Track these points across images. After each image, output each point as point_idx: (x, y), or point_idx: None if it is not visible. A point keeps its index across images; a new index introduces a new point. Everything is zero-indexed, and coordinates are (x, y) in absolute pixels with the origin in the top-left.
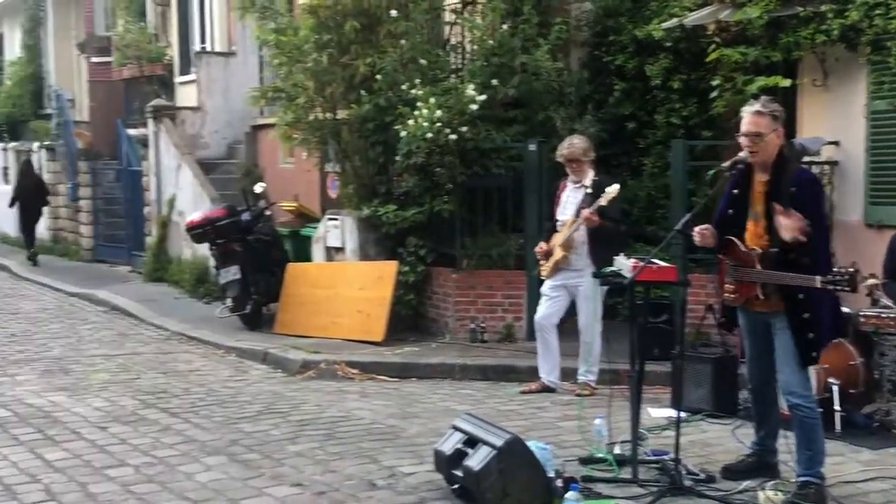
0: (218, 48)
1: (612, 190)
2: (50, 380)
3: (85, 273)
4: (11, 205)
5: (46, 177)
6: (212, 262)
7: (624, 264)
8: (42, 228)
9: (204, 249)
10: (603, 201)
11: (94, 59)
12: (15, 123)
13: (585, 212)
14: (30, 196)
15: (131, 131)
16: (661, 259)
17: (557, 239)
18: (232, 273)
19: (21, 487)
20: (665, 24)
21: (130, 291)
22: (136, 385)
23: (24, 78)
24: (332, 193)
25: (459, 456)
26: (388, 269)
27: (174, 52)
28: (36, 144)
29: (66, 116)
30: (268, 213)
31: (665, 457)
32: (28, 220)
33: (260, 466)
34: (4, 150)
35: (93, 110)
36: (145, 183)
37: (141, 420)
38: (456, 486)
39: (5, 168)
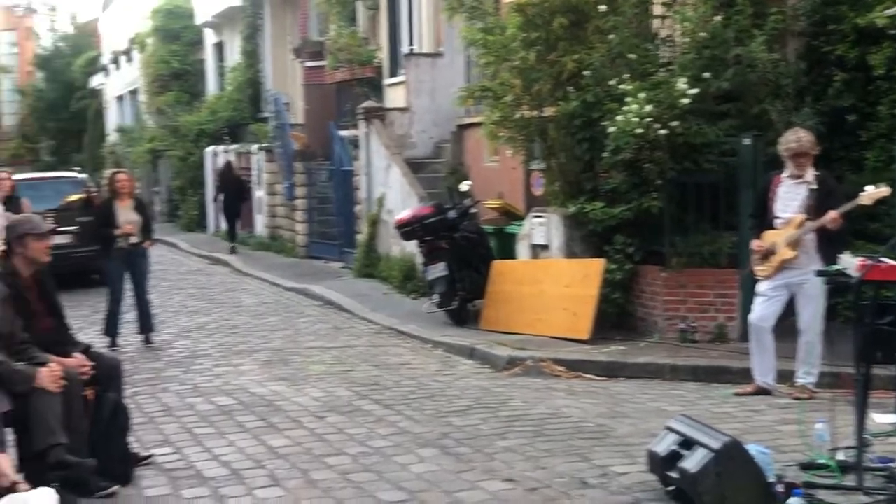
0: (426, 49)
1: (879, 192)
2: (270, 370)
3: (300, 269)
4: (215, 199)
5: (265, 177)
6: (419, 259)
7: (850, 263)
8: (260, 226)
9: (412, 246)
10: (866, 201)
11: (308, 64)
12: (235, 126)
13: (833, 213)
14: (230, 194)
15: (343, 133)
16: (890, 258)
17: (778, 237)
18: (439, 270)
19: (247, 472)
20: (889, 11)
21: (342, 287)
22: (351, 377)
23: (244, 83)
24: (537, 191)
25: (674, 457)
26: (594, 267)
27: (383, 55)
28: (254, 146)
29: (283, 119)
30: (473, 210)
31: (892, 464)
32: (230, 216)
33: (471, 460)
34: (226, 151)
35: (307, 113)
36: (356, 182)
37: (356, 410)
38: (671, 487)
39: (240, 169)
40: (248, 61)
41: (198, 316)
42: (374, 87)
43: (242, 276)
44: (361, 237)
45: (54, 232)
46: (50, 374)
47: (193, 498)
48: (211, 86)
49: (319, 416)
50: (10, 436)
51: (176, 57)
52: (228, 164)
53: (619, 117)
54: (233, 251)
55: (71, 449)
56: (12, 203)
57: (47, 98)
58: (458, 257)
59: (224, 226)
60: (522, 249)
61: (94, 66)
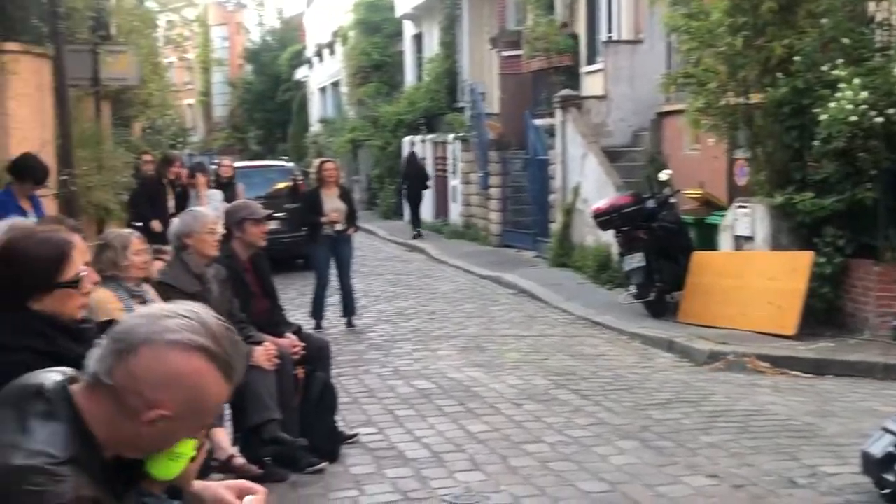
0: (625, 37)
1: None
2: (467, 356)
3: (493, 257)
4: (399, 190)
5: (460, 166)
6: (615, 249)
7: None
8: (455, 215)
9: (607, 236)
10: None
11: (505, 53)
12: (432, 116)
13: None
14: (413, 183)
15: (538, 121)
16: None
17: None
18: (636, 260)
19: (448, 455)
20: None
21: (536, 275)
22: (546, 366)
23: (441, 73)
24: (741, 180)
25: (891, 460)
26: (802, 260)
27: (581, 43)
28: (450, 136)
29: (479, 109)
30: (672, 200)
31: None
32: (413, 204)
33: (673, 454)
34: (423, 141)
35: (503, 102)
36: (551, 171)
37: (553, 400)
38: (886, 491)
39: (423, 159)
40: (446, 52)
41: (396, 301)
42: (571, 75)
43: (438, 263)
44: (555, 226)
45: (270, 217)
46: (265, 352)
47: (397, 478)
48: (409, 77)
49: (517, 403)
50: (226, 411)
51: (376, 49)
52: (412, 155)
53: (831, 104)
54: (416, 236)
55: (283, 425)
56: (230, 188)
57: (255, 90)
58: (657, 248)
59: (408, 214)
60: (724, 240)
61: (298, 59)
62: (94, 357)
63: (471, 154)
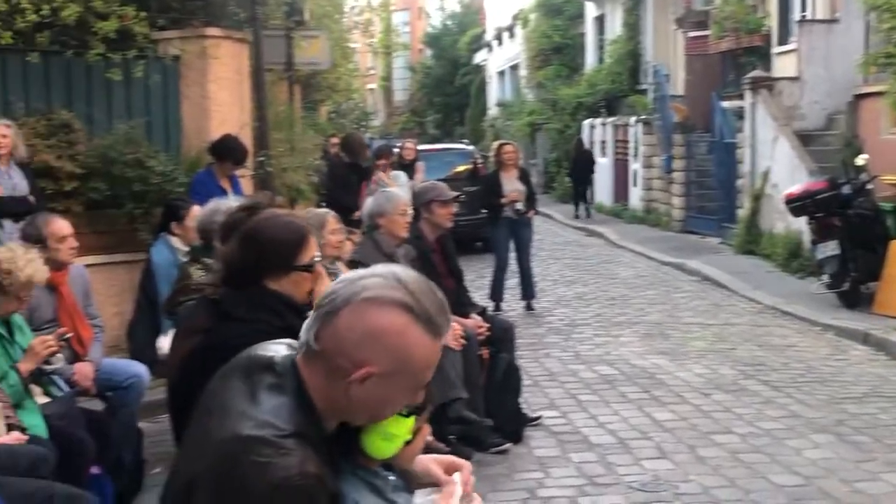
0: (819, 15)
1: None
2: (650, 343)
3: (675, 243)
4: (570, 173)
5: (641, 149)
6: (807, 237)
7: None
8: (635, 199)
9: (798, 223)
10: None
11: (691, 34)
12: (613, 99)
13: None
14: (580, 168)
15: (725, 104)
16: None
17: None
18: (830, 248)
19: (633, 442)
20: None
21: (721, 263)
22: (734, 355)
23: (623, 55)
24: None
25: None
26: None
27: (773, 22)
28: (632, 119)
29: (663, 91)
30: (869, 186)
31: None
32: (580, 186)
33: (872, 450)
34: (603, 124)
35: (688, 84)
36: (739, 155)
37: (742, 390)
38: None
39: (603, 142)
40: (629, 33)
41: (575, 286)
42: (761, 55)
43: (617, 248)
44: (743, 212)
45: (456, 200)
46: (452, 332)
47: (582, 462)
48: (590, 59)
49: (704, 392)
50: None
51: (557, 31)
52: (580, 141)
53: None
54: (578, 217)
55: (469, 404)
56: (411, 168)
57: (435, 74)
58: (852, 236)
59: (588, 201)
60: None
61: (478, 43)
62: (305, 328)
63: (653, 137)
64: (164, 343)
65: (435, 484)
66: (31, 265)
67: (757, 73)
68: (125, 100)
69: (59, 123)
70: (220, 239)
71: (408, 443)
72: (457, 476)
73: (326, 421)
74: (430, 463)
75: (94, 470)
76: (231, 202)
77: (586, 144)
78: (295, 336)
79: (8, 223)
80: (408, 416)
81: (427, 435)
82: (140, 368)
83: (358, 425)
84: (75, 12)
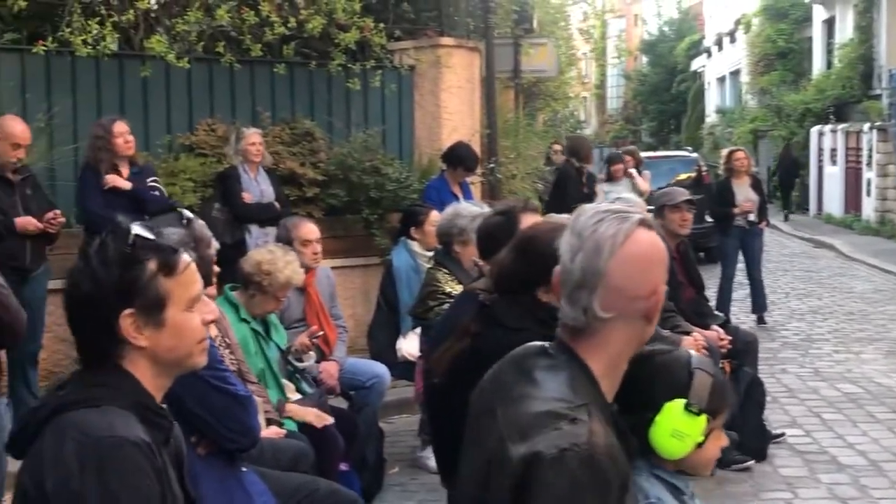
0: None
1: None
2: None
3: None
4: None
5: (876, 157)
6: None
7: None
8: (868, 210)
9: None
10: None
11: None
12: (842, 105)
13: None
14: (784, 172)
15: None
16: None
17: None
18: None
19: (887, 465)
20: None
21: None
22: None
23: (855, 59)
24: None
25: None
26: None
27: None
28: (865, 125)
29: None
30: None
31: None
32: (784, 190)
33: None
34: (833, 131)
35: None
36: None
37: None
38: None
39: (833, 150)
40: (862, 36)
41: (808, 299)
42: None
43: (850, 260)
44: None
45: (689, 203)
46: (694, 343)
47: (832, 483)
48: (817, 63)
49: None
50: None
51: (782, 35)
52: (787, 146)
53: None
54: (786, 218)
55: None
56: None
57: (651, 81)
58: None
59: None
60: None
61: (696, 49)
62: (564, 314)
63: (889, 145)
64: (404, 345)
65: None
66: (289, 267)
67: None
68: (363, 109)
69: (301, 132)
70: (477, 243)
71: (699, 445)
72: None
73: (608, 393)
74: None
75: (343, 467)
76: (471, 207)
77: (813, 152)
78: None
79: (255, 228)
80: (698, 414)
81: (723, 443)
82: (381, 369)
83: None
84: (320, 24)
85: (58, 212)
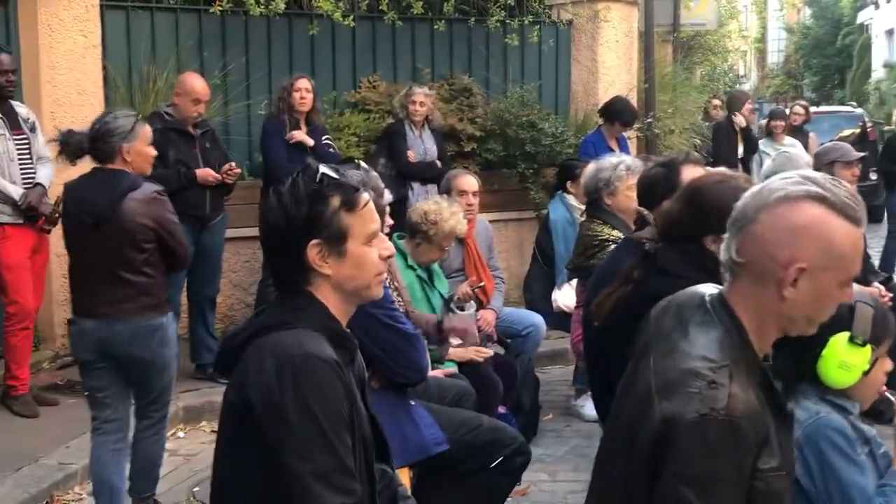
0: None
1: None
2: None
3: None
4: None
5: None
6: None
7: None
8: None
9: None
10: None
11: None
12: None
13: None
14: None
15: None
16: None
17: None
18: None
19: None
20: None
21: None
22: None
23: None
24: None
25: None
26: None
27: None
28: None
29: None
30: None
31: None
32: None
33: None
34: None
35: None
36: None
37: None
38: None
39: None
40: None
41: None
42: None
43: None
44: None
45: (861, 161)
46: (879, 293)
47: None
48: None
49: None
50: None
51: None
52: None
53: None
54: None
55: None
56: (801, 134)
57: (814, 35)
58: None
59: None
60: None
61: (862, 1)
62: (723, 248)
63: None
64: (559, 297)
65: None
66: (454, 217)
67: None
68: (520, 64)
69: (460, 88)
70: (638, 194)
71: (865, 374)
72: None
73: (761, 348)
74: None
75: (501, 410)
76: (610, 158)
77: None
78: None
79: (417, 185)
80: (863, 345)
81: (888, 367)
82: (537, 318)
83: (804, 342)
84: None
85: (234, 164)
